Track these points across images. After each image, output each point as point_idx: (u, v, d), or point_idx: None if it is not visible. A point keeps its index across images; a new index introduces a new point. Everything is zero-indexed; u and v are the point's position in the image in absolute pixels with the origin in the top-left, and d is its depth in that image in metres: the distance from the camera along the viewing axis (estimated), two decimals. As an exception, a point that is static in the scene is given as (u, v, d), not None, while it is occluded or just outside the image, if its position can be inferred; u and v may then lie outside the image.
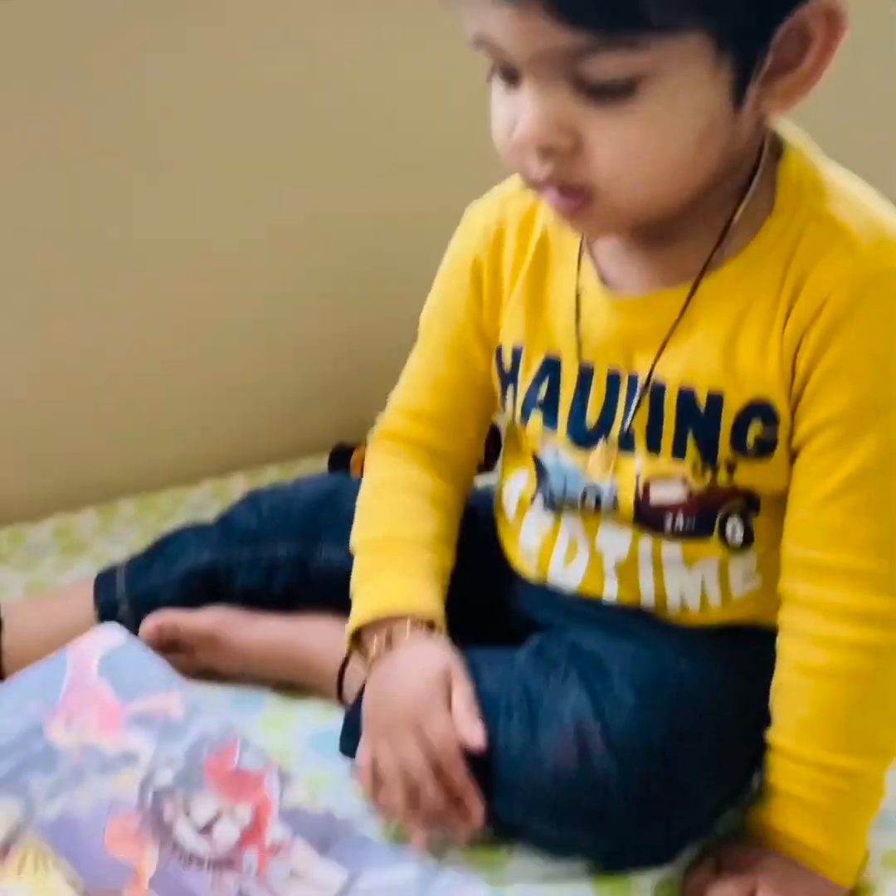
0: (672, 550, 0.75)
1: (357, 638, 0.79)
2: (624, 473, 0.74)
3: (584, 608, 0.80)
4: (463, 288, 0.81)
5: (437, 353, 0.84)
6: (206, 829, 0.73)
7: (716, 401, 0.70)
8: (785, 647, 0.72)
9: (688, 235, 0.69)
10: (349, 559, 0.87)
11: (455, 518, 0.86)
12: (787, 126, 0.70)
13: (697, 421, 0.71)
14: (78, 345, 1.15)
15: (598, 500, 0.76)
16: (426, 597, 0.79)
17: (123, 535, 1.14)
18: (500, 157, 0.67)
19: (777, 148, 0.69)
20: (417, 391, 0.87)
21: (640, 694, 0.71)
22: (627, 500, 0.74)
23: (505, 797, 0.72)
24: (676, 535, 0.74)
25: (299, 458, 1.26)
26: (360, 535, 0.85)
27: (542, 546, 0.81)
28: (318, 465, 1.23)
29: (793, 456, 0.70)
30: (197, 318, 1.20)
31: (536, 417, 0.78)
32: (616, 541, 0.77)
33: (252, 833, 0.73)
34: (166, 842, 0.72)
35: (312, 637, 0.89)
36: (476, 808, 0.72)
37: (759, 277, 0.68)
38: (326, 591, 0.89)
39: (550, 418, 0.77)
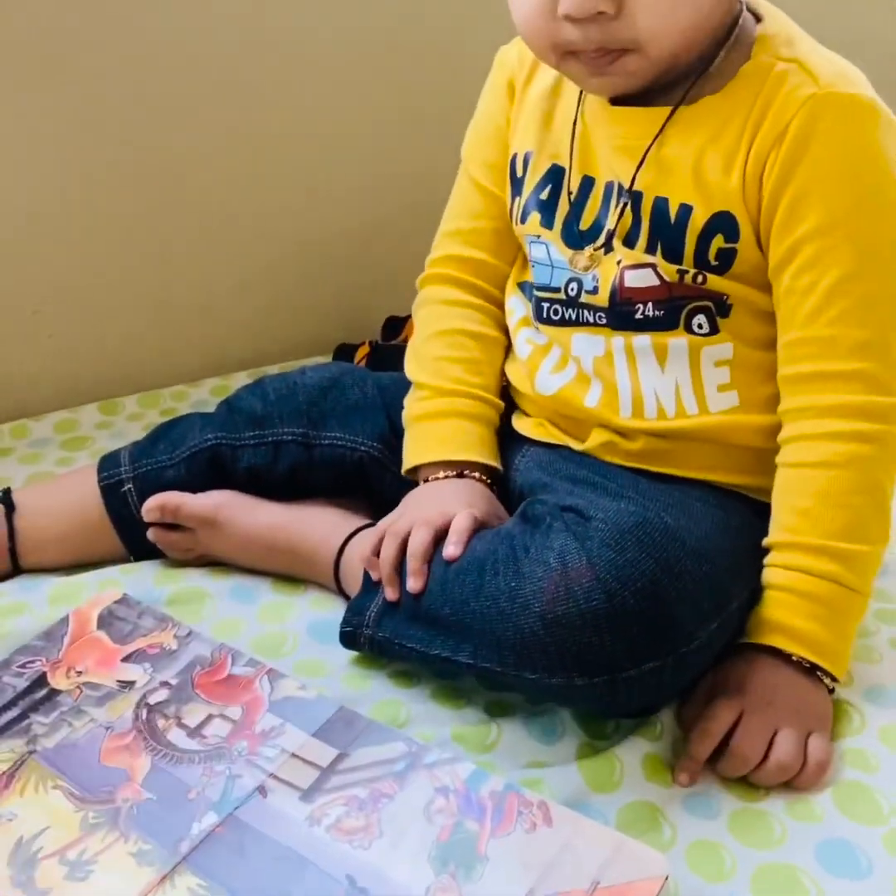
0: (642, 340, 0.80)
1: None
2: (604, 266, 0.80)
3: (569, 465, 0.83)
4: (501, 108, 0.88)
5: (482, 173, 0.90)
6: (198, 731, 0.75)
7: (685, 212, 0.77)
8: (784, 455, 0.77)
9: (679, 72, 0.76)
10: (354, 441, 0.91)
11: (500, 355, 0.92)
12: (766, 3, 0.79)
13: (667, 230, 0.77)
14: (81, 243, 1.14)
15: (579, 289, 0.82)
16: (495, 457, 0.88)
17: (125, 430, 1.14)
18: (525, 37, 0.75)
19: (756, 14, 0.78)
20: (463, 215, 0.92)
21: (625, 534, 0.71)
22: (605, 287, 0.80)
23: (496, 653, 0.72)
24: (646, 323, 0.79)
25: (303, 359, 1.26)
26: (421, 377, 0.90)
27: (533, 353, 0.87)
28: (321, 365, 1.23)
29: (771, 283, 0.76)
30: (202, 217, 1.19)
31: (535, 216, 0.84)
32: (591, 342, 0.82)
33: (242, 726, 0.75)
34: (159, 748, 0.74)
35: (311, 526, 0.89)
36: (454, 547, 0.76)
37: (731, 106, 0.75)
38: (330, 473, 0.91)
39: (548, 218, 0.84)
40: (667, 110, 0.77)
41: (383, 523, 0.82)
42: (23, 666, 0.81)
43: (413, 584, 0.77)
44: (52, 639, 0.84)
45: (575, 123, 0.82)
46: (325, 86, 1.18)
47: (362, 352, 1.20)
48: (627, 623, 0.69)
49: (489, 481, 0.86)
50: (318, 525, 0.89)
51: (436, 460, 0.86)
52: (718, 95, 0.76)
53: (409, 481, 0.87)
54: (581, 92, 0.82)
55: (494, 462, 0.88)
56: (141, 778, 0.71)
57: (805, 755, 0.71)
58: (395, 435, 0.90)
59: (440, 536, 0.79)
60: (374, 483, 0.91)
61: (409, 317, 1.10)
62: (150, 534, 0.91)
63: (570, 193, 0.82)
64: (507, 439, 0.90)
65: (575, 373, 0.84)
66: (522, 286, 0.89)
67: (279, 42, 1.15)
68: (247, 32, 1.13)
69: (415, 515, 0.81)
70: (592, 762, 0.73)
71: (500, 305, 0.92)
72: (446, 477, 0.85)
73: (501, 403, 0.91)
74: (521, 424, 0.90)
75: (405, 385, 0.93)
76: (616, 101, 0.80)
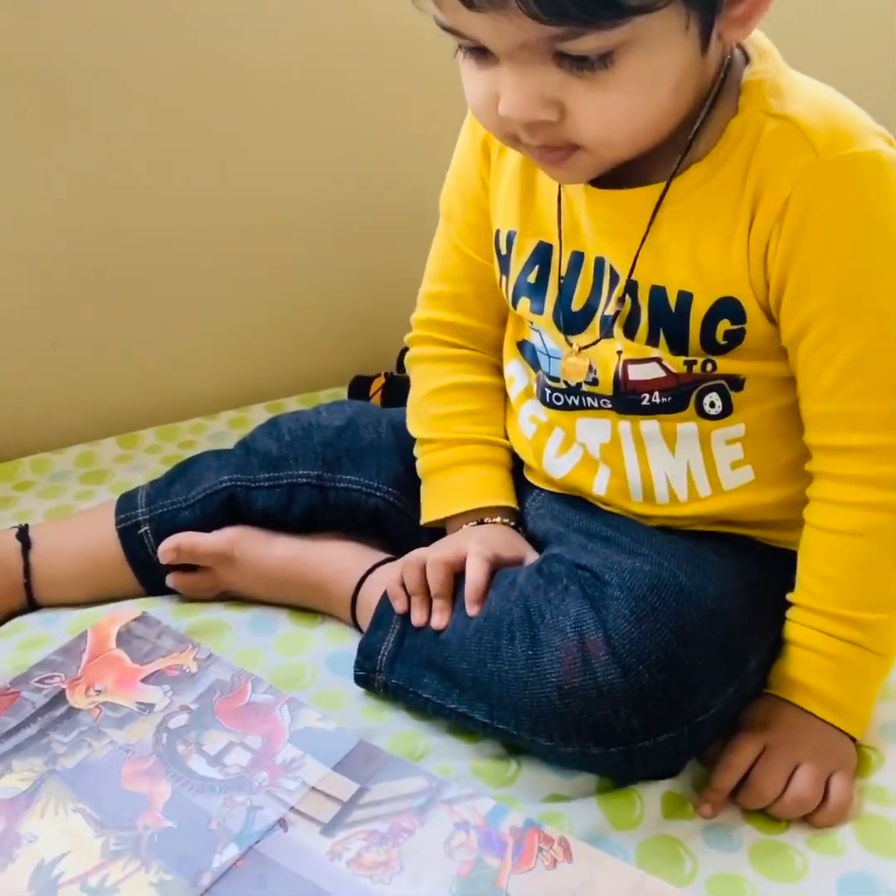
0: (650, 426, 0.77)
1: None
2: (602, 354, 0.77)
3: (583, 517, 0.83)
4: (476, 167, 0.84)
5: (460, 234, 0.87)
6: (218, 759, 0.75)
7: (685, 300, 0.73)
8: (811, 513, 0.75)
9: (660, 144, 0.70)
10: (370, 486, 0.91)
11: (501, 400, 0.90)
12: (754, 33, 0.72)
13: (669, 318, 0.73)
14: (98, 277, 1.15)
15: (579, 380, 0.79)
16: (513, 498, 0.87)
17: (144, 463, 1.15)
18: (478, 120, 0.70)
19: (745, 52, 0.71)
20: (444, 277, 0.90)
21: (640, 602, 0.71)
22: (607, 376, 0.77)
23: (512, 717, 0.73)
24: (654, 409, 0.77)
25: (319, 391, 1.27)
26: (425, 434, 0.90)
27: (537, 433, 0.85)
28: (338, 397, 1.23)
29: (785, 350, 0.73)
30: (218, 251, 1.20)
31: (525, 301, 0.81)
32: (596, 428, 0.80)
33: (263, 756, 0.75)
34: (179, 774, 0.74)
35: (328, 560, 0.90)
36: (476, 607, 0.77)
37: (722, 179, 0.70)
38: (345, 515, 0.91)
39: (538, 303, 0.80)
40: (651, 191, 0.72)
41: (404, 558, 0.83)
42: (41, 681, 0.82)
43: (439, 620, 0.78)
44: (70, 655, 0.84)
45: (559, 197, 0.77)
46: (340, 122, 1.19)
47: (378, 383, 1.21)
48: (643, 697, 0.69)
49: (512, 523, 0.86)
50: (334, 559, 0.90)
51: (455, 513, 0.86)
52: (707, 163, 0.70)
53: (426, 527, 0.88)
54: None
55: (513, 503, 0.87)
56: (162, 805, 0.72)
57: (827, 794, 0.71)
58: (409, 477, 0.90)
59: (456, 572, 0.79)
60: (390, 529, 0.91)
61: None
62: (170, 581, 0.91)
63: (560, 277, 0.78)
64: (517, 481, 0.89)
65: (581, 456, 0.82)
66: (522, 347, 0.85)
67: (289, 82, 1.16)
68: (254, 79, 1.14)
69: (429, 552, 0.81)
70: (612, 797, 0.73)
71: (493, 355, 0.90)
72: (469, 526, 0.86)
73: (506, 444, 0.90)
74: (532, 475, 0.89)
75: None
76: (594, 180, 0.74)
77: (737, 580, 0.76)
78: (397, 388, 1.17)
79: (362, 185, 1.24)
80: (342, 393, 1.24)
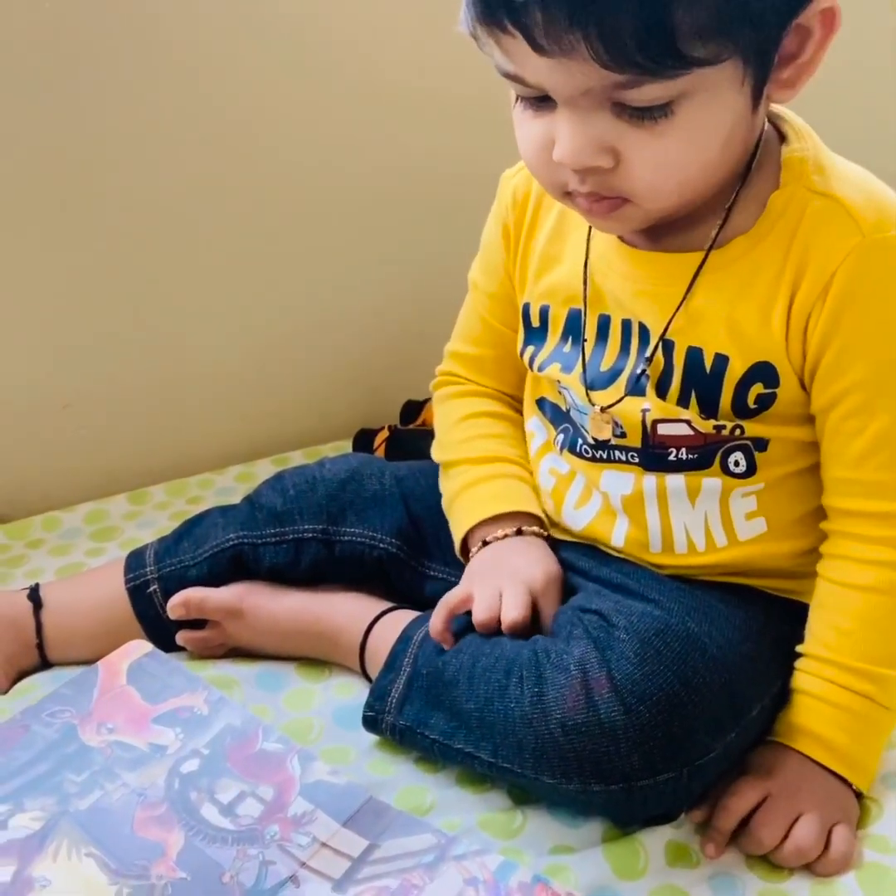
0: (676, 481, 0.79)
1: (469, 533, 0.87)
2: (628, 413, 0.78)
3: (595, 565, 0.84)
4: (499, 250, 0.88)
5: (484, 304, 0.92)
6: (230, 809, 0.76)
7: (721, 362, 0.74)
8: (827, 568, 0.77)
9: (699, 211, 0.73)
10: (373, 537, 0.92)
11: (524, 435, 0.93)
12: (788, 112, 0.75)
13: (703, 380, 0.75)
14: (108, 340, 1.17)
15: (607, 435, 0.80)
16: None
17: (153, 519, 1.17)
18: (530, 170, 0.72)
19: (780, 130, 0.74)
20: (467, 340, 0.95)
21: (646, 645, 0.73)
22: (634, 431, 0.79)
23: (517, 755, 0.74)
24: (680, 465, 0.78)
25: (324, 444, 1.29)
26: (452, 457, 0.92)
27: (557, 485, 0.86)
28: (342, 450, 1.25)
29: (810, 416, 0.75)
30: (222, 308, 1.22)
31: (556, 366, 0.83)
32: (620, 480, 0.81)
33: (275, 808, 0.76)
34: (192, 823, 0.74)
35: (336, 609, 0.91)
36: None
37: (763, 251, 0.72)
38: (350, 567, 0.93)
39: (568, 366, 0.82)
40: (692, 258, 0.74)
41: (454, 594, 0.83)
42: (51, 715, 0.82)
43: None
44: (81, 688, 0.84)
45: (585, 265, 0.80)
46: (341, 167, 1.21)
47: (381, 436, 1.22)
48: (644, 736, 0.70)
49: (545, 534, 0.87)
50: (343, 607, 0.91)
51: (493, 515, 0.86)
52: (750, 236, 0.73)
53: (428, 576, 0.89)
54: (589, 230, 0.80)
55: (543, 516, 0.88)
56: (175, 854, 0.72)
57: (828, 843, 0.72)
58: (413, 527, 0.92)
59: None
60: (394, 580, 0.93)
61: (427, 400, 1.13)
62: (180, 639, 0.92)
63: (584, 340, 0.81)
64: None
65: (600, 506, 0.84)
66: (541, 405, 0.88)
67: (281, 139, 1.18)
68: (247, 144, 1.16)
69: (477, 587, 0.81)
70: (617, 847, 0.74)
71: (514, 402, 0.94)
72: (505, 536, 0.86)
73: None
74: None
75: (423, 475, 0.95)
76: (634, 239, 0.77)
77: (743, 629, 0.78)
78: (401, 441, 1.19)
79: (365, 240, 1.25)
80: (347, 446, 1.26)
